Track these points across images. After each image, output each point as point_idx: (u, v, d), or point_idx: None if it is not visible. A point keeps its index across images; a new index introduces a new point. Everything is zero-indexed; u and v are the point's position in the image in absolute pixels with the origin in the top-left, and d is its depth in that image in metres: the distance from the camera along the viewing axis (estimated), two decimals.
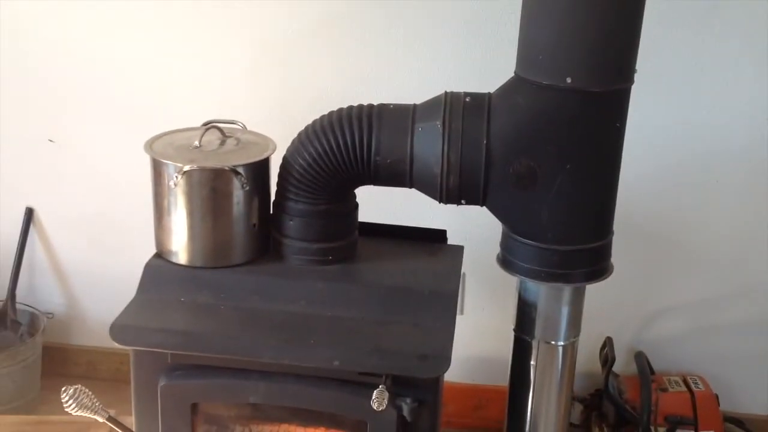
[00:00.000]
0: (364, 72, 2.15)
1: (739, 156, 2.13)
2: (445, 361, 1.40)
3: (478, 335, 2.31)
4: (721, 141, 2.13)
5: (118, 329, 1.45)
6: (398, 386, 1.41)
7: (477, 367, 2.36)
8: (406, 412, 1.41)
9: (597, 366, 2.25)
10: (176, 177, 1.49)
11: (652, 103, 2.08)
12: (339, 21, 2.12)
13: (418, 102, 1.54)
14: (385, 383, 1.38)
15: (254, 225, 1.58)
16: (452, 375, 2.28)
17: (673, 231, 2.22)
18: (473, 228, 2.18)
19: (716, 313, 2.29)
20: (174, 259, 1.57)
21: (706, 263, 2.24)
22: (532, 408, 1.64)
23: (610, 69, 1.39)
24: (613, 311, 2.29)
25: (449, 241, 1.77)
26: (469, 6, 2.06)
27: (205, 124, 1.62)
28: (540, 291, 1.57)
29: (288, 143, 1.57)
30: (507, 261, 1.56)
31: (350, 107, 1.54)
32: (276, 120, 2.05)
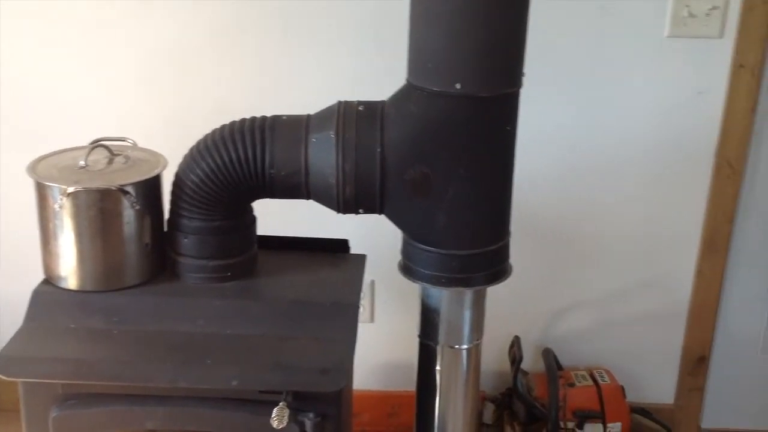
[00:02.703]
0: (261, 83, 2.12)
1: (635, 153, 2.19)
2: (345, 373, 1.38)
3: (389, 342, 2.31)
4: (617, 138, 2.18)
5: (3, 361, 1.38)
6: (300, 402, 1.38)
7: (389, 374, 2.35)
8: (309, 427, 1.39)
9: (507, 365, 2.28)
10: (61, 199, 1.43)
11: (547, 105, 2.13)
12: (231, 32, 2.09)
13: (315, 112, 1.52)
14: (285, 400, 1.36)
15: (147, 245, 1.53)
16: (365, 383, 2.30)
17: (573, 229, 2.27)
18: (380, 236, 2.17)
19: (619, 306, 2.35)
20: (63, 285, 1.51)
21: (607, 259, 2.30)
22: (439, 412, 1.64)
23: (497, 74, 1.41)
24: (520, 310, 2.32)
25: (355, 250, 1.76)
26: (367, 12, 2.06)
27: (92, 143, 1.57)
28: (442, 296, 1.57)
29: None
30: (408, 268, 1.56)
31: (243, 120, 1.51)
32: (171, 134, 2.00)
